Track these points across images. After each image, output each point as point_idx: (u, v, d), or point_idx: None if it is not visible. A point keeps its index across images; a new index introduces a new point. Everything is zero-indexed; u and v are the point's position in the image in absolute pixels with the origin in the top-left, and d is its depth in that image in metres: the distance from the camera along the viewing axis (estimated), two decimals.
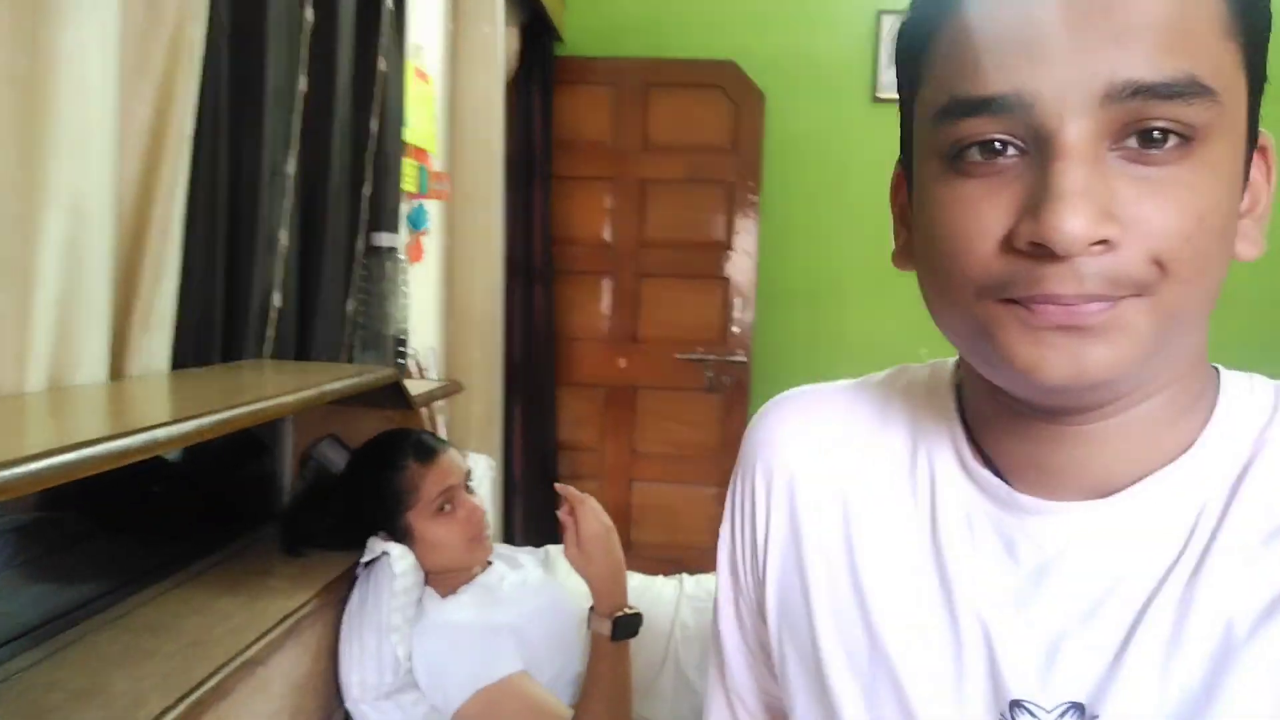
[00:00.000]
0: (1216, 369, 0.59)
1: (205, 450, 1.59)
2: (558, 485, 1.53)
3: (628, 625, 1.44)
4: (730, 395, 3.49)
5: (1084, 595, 0.55)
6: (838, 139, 3.50)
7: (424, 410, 2.33)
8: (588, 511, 1.47)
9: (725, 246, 3.47)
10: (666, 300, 3.49)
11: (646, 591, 1.72)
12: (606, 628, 1.43)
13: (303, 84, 1.68)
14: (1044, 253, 0.47)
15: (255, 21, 1.56)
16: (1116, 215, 0.47)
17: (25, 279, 1.10)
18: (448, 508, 1.55)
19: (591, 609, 1.46)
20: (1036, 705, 0.54)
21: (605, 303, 3.52)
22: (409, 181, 2.38)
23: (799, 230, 3.58)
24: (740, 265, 3.46)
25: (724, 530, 0.74)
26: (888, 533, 0.63)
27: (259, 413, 1.15)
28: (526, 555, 1.75)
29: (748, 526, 0.70)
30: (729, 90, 3.43)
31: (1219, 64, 0.48)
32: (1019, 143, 0.49)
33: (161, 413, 1.05)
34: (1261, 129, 0.54)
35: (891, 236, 0.64)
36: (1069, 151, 0.47)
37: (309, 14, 1.68)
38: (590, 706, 1.41)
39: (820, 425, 0.69)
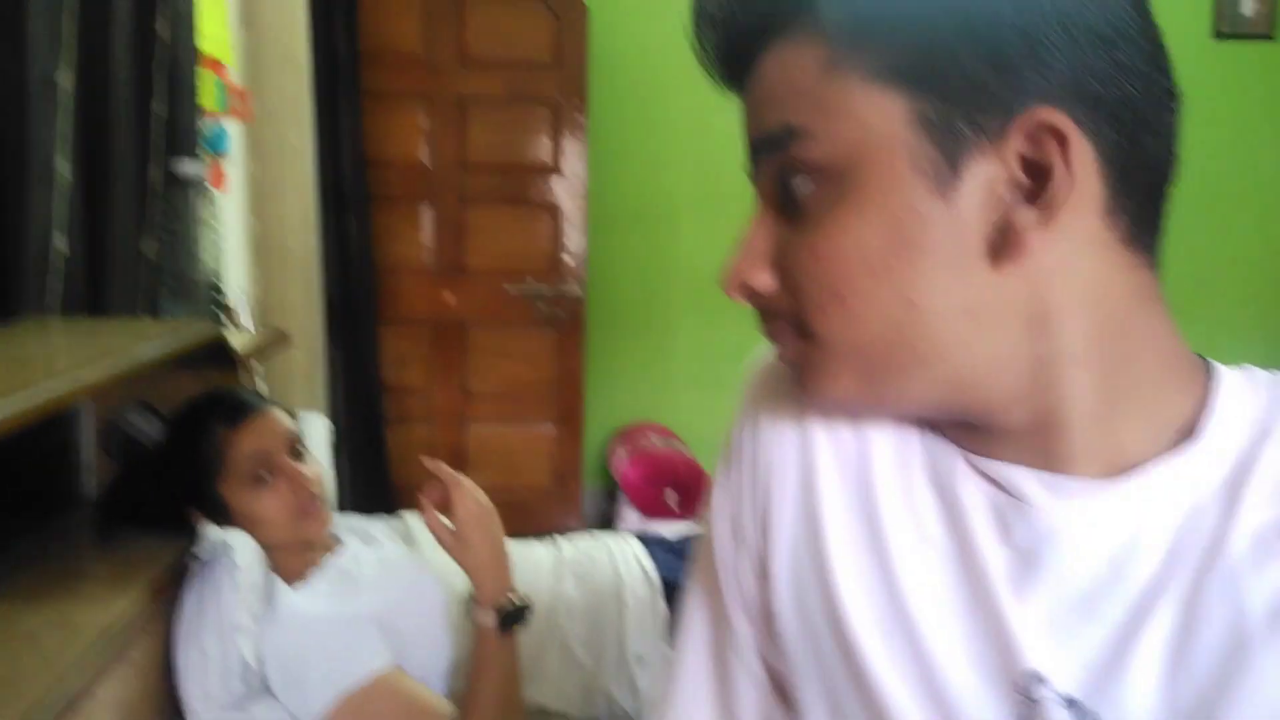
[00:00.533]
0: (1206, 360, 0.57)
1: None
2: (427, 461, 1.34)
3: (515, 615, 1.28)
4: (564, 328, 3.32)
5: (1078, 582, 0.53)
6: (663, 55, 3.34)
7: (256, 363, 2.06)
8: (464, 494, 1.29)
9: (552, 170, 3.27)
10: (492, 228, 3.26)
11: (523, 562, 1.56)
12: (492, 619, 1.26)
13: None
14: None
15: None
16: (774, 268, 0.56)
17: None
18: (266, 476, 1.32)
19: (473, 598, 1.29)
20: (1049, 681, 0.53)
21: (426, 232, 3.26)
22: (205, 97, 2.05)
23: (628, 152, 3.43)
24: (569, 189, 3.28)
25: (720, 481, 0.69)
26: (905, 491, 0.60)
27: (54, 401, 0.90)
28: (382, 527, 1.55)
29: (751, 478, 0.66)
30: (550, 1, 3.20)
31: (823, 101, 0.51)
32: None
33: None
34: (1052, 109, 0.48)
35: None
36: (752, 215, 0.57)
37: None
38: (478, 701, 1.25)
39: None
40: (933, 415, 0.58)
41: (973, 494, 0.57)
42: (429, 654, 1.36)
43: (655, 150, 3.44)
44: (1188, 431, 0.53)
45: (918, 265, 0.51)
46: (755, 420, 0.66)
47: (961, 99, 0.49)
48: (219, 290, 1.56)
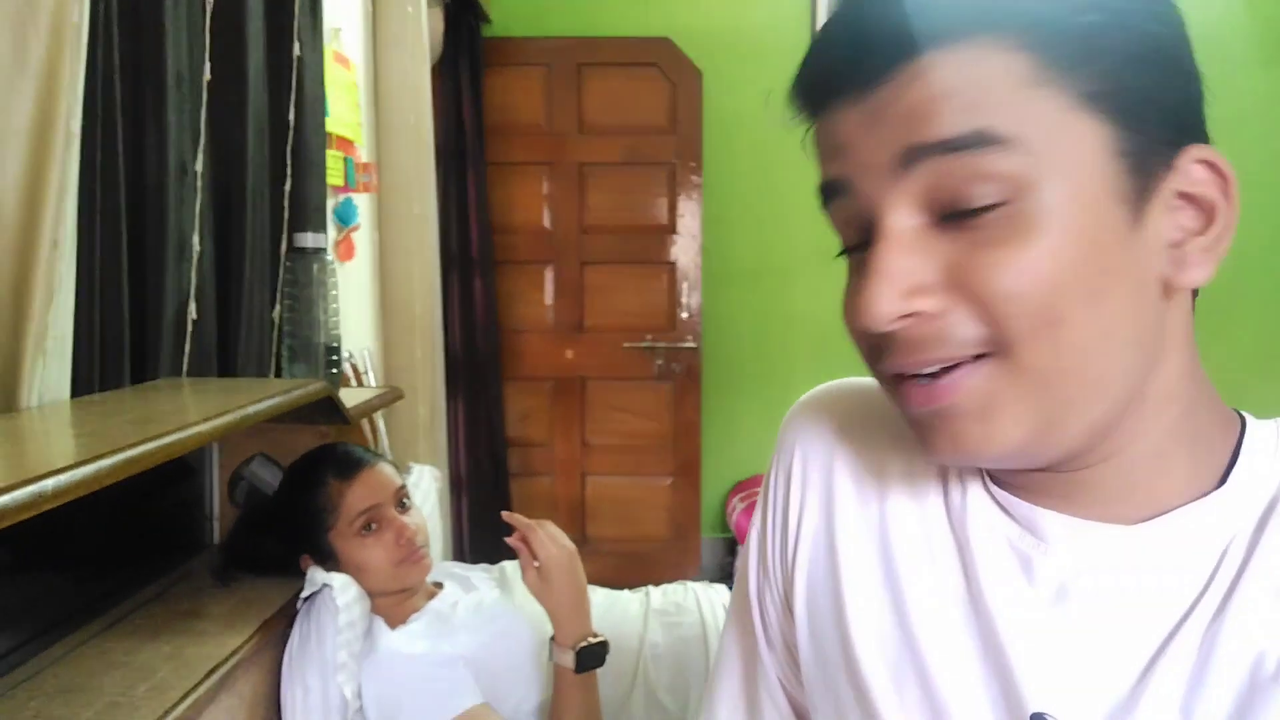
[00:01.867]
0: (1238, 412, 0.58)
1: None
2: (505, 515, 1.41)
3: (592, 655, 1.32)
4: (681, 382, 3.39)
5: (1102, 624, 0.53)
6: (777, 116, 3.40)
7: (364, 421, 2.19)
8: (544, 538, 1.36)
9: (669, 229, 3.36)
10: (611, 287, 3.37)
11: (612, 608, 1.61)
12: (570, 659, 1.31)
13: (207, 72, 1.53)
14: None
15: (150, 6, 1.40)
16: (939, 285, 0.50)
17: None
18: (374, 527, 1.42)
19: (553, 639, 1.34)
20: None
21: (548, 292, 3.39)
22: (335, 175, 2.23)
23: (742, 210, 3.49)
24: (685, 248, 3.36)
25: (755, 519, 0.73)
26: (922, 534, 0.62)
27: (171, 446, 1.01)
28: (481, 575, 1.63)
29: (779, 513, 0.69)
30: (665, 68, 3.32)
31: (1028, 111, 0.48)
32: (863, 233, 0.53)
33: (57, 455, 0.91)
34: (1209, 146, 0.52)
35: None
36: (883, 233, 0.51)
37: None
38: None
39: (861, 417, 0.68)
40: (1049, 462, 0.54)
41: (993, 535, 0.58)
42: (519, 694, 1.41)
43: (770, 205, 3.49)
44: (1216, 480, 0.54)
45: (1115, 293, 0.50)
46: (788, 464, 0.69)
47: (1155, 133, 0.50)
48: (336, 352, 1.68)
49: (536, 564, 1.35)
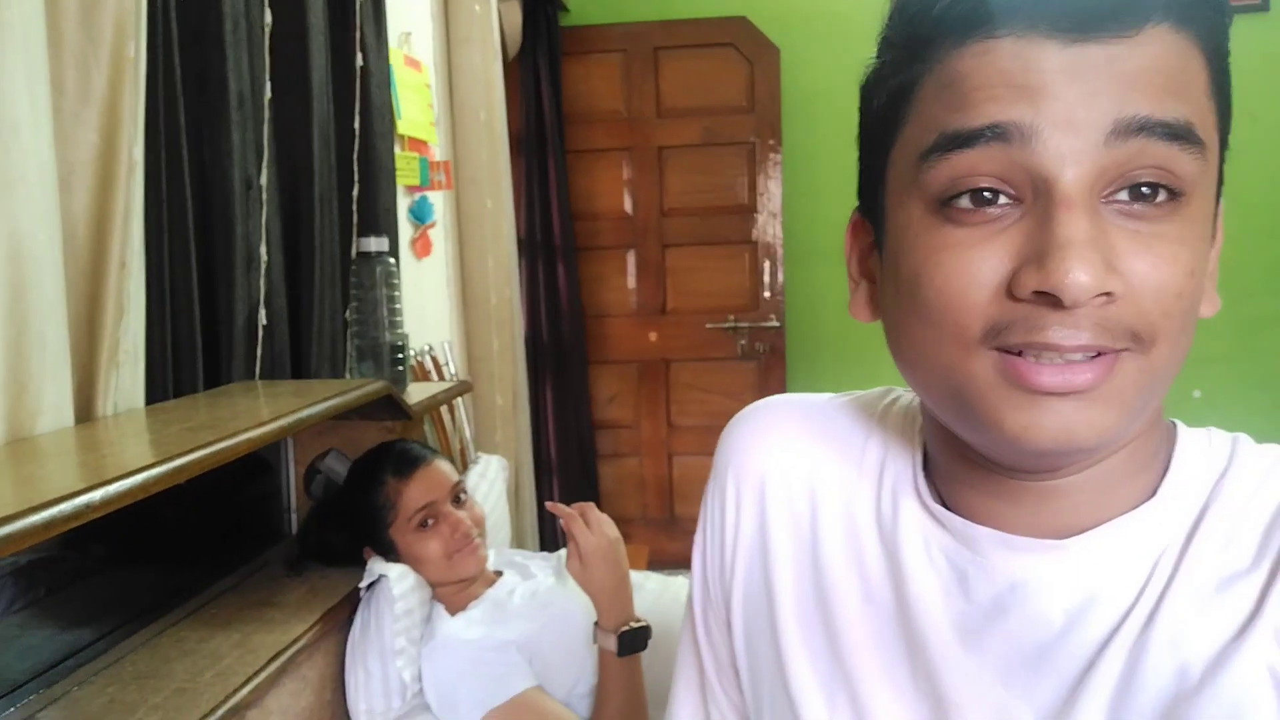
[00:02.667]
0: (1174, 423, 0.58)
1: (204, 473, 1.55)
2: (549, 505, 1.46)
3: (634, 639, 1.37)
4: (766, 362, 3.39)
5: (1034, 637, 0.54)
6: (854, 87, 3.34)
7: (444, 410, 2.28)
8: (583, 526, 1.40)
9: (750, 209, 3.36)
10: (693, 269, 3.39)
11: (664, 593, 1.65)
12: (612, 643, 1.36)
13: (268, 90, 1.61)
14: (1047, 302, 0.46)
15: (210, 30, 1.49)
16: (1116, 268, 0.46)
17: None
18: (430, 523, 1.49)
19: (597, 624, 1.39)
20: None
21: (630, 276, 3.43)
22: (409, 175, 2.31)
23: (824, 186, 3.44)
24: (766, 227, 3.35)
25: (696, 538, 0.73)
26: (853, 550, 0.62)
27: (222, 452, 1.10)
28: (540, 562, 1.69)
29: (717, 532, 0.69)
30: (742, 47, 3.30)
31: (1206, 120, 0.47)
32: (1011, 190, 0.47)
33: (129, 460, 1.00)
34: None
35: (849, 287, 0.62)
36: (1072, 199, 0.45)
37: (268, 16, 1.61)
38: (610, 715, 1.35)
39: (795, 436, 0.67)
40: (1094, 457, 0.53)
41: (928, 549, 0.58)
42: (572, 677, 1.47)
43: (852, 180, 3.41)
44: (1150, 491, 0.54)
45: (1203, 291, 0.51)
46: (722, 482, 0.69)
47: (1222, 160, 0.51)
48: (401, 350, 1.76)
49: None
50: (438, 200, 2.54)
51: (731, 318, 3.36)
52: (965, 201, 0.48)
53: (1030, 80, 0.46)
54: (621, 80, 3.37)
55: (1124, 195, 0.46)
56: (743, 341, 3.37)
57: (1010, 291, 0.47)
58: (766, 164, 3.33)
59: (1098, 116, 0.45)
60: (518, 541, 2.75)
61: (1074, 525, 0.54)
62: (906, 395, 0.68)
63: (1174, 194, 0.46)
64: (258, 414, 1.26)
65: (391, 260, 1.75)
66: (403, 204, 2.34)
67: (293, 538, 1.62)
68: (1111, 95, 0.45)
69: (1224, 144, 0.51)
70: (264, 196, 1.61)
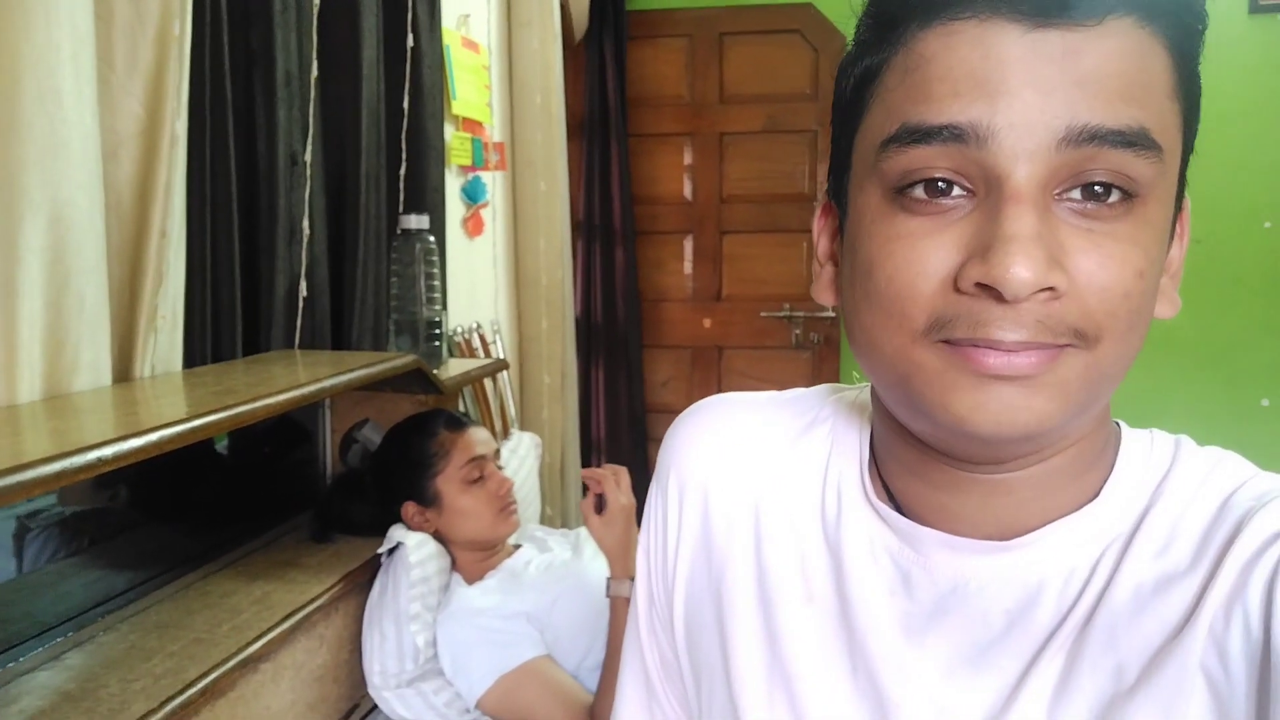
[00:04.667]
0: (1118, 424, 0.58)
1: (246, 437, 1.62)
2: (583, 471, 1.51)
3: None
4: (820, 352, 3.37)
5: (977, 635, 0.54)
6: None
7: (488, 384, 2.33)
8: (614, 485, 1.46)
9: (810, 197, 3.33)
10: (750, 256, 3.38)
11: None
12: (626, 588, 1.41)
13: (315, 69, 1.66)
14: (990, 295, 0.46)
15: (258, 9, 1.54)
16: (1063, 264, 0.46)
17: (6, 291, 1.11)
18: (478, 477, 1.54)
19: (610, 577, 1.44)
20: None
21: (688, 261, 3.44)
22: (462, 155, 2.35)
23: None
24: None
25: (640, 539, 0.72)
26: (795, 550, 0.62)
27: (239, 416, 1.14)
28: (559, 538, 1.72)
29: (659, 534, 0.69)
30: (808, 35, 3.27)
31: (1165, 122, 0.47)
32: (966, 183, 0.48)
33: (146, 419, 1.05)
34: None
35: (813, 269, 0.63)
36: (1021, 195, 0.46)
37: None
38: (613, 670, 1.38)
39: (737, 435, 0.67)
40: (1038, 448, 0.53)
41: (872, 548, 0.58)
42: (581, 649, 1.50)
43: None
44: (1094, 492, 0.55)
45: (1157, 293, 0.51)
46: (664, 483, 0.69)
47: (1185, 163, 0.51)
48: (438, 326, 1.80)
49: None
50: (492, 181, 2.58)
51: (787, 306, 3.35)
52: (920, 191, 0.48)
53: (990, 73, 0.46)
54: (686, 66, 3.37)
55: (1077, 194, 0.47)
56: (797, 331, 3.36)
57: (956, 284, 0.47)
58: (828, 153, 3.29)
59: (1051, 119, 0.45)
60: (563, 517, 2.79)
61: (1019, 523, 0.54)
62: (852, 391, 0.68)
63: (1128, 195, 0.47)
64: (279, 381, 1.31)
65: (431, 238, 1.79)
66: (456, 184, 2.39)
67: (322, 502, 1.68)
68: (1066, 98, 0.45)
69: (1189, 146, 0.51)
70: (309, 172, 1.66)
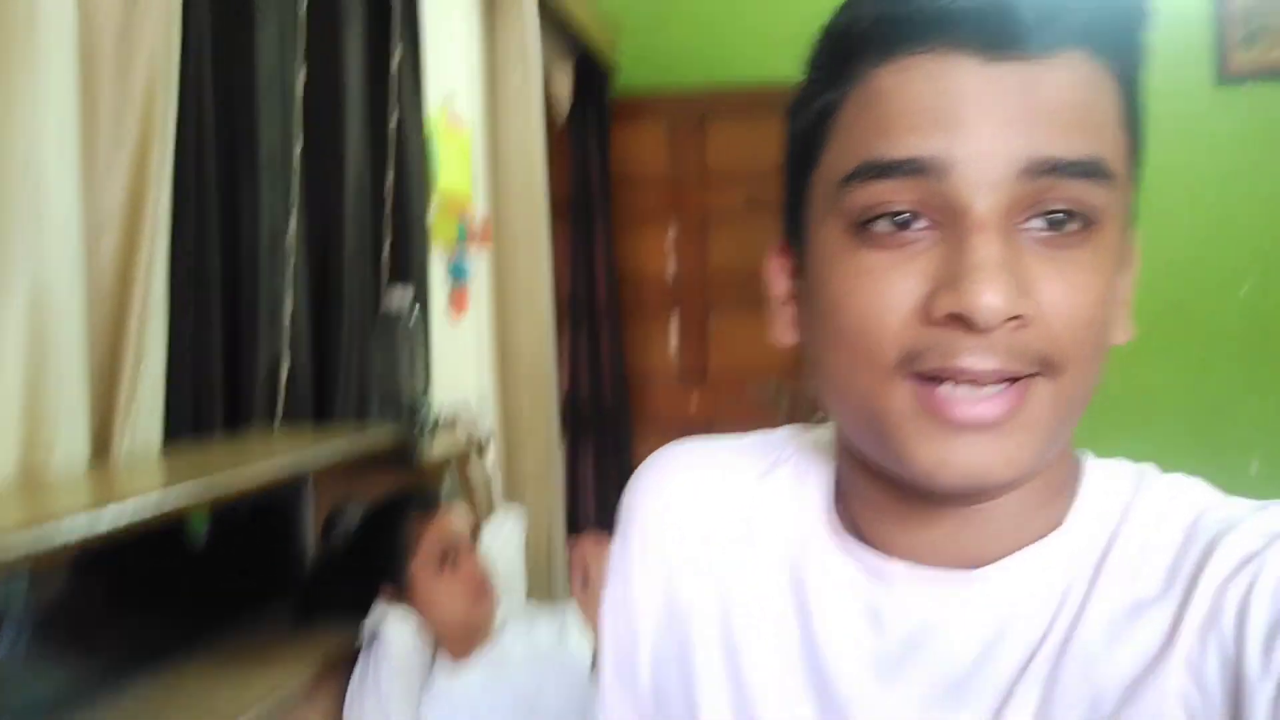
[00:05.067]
0: (1081, 454, 0.58)
1: (225, 518, 1.58)
2: (568, 540, 1.48)
3: None
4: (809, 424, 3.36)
5: (950, 669, 0.53)
6: None
7: (473, 464, 2.30)
8: (600, 554, 1.42)
9: None
10: (734, 332, 3.39)
11: None
12: None
13: (298, 150, 1.67)
14: (960, 325, 0.47)
15: (242, 87, 1.56)
16: (1029, 292, 0.47)
17: None
18: (450, 560, 1.51)
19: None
20: None
21: (672, 340, 3.45)
22: (446, 233, 2.36)
23: None
24: None
25: (605, 594, 0.71)
26: (760, 594, 0.61)
27: (213, 492, 1.12)
28: (544, 618, 1.68)
29: (623, 587, 0.68)
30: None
31: (1118, 151, 0.49)
32: (929, 216, 0.48)
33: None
34: None
35: (768, 313, 0.62)
36: (986, 224, 0.46)
37: (301, 75, 1.67)
38: None
39: (699, 482, 0.67)
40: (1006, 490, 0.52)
41: (838, 585, 0.57)
42: None
43: None
44: (1059, 521, 0.54)
45: (1114, 320, 0.52)
46: (626, 532, 0.68)
47: (1136, 189, 0.52)
48: (422, 405, 1.79)
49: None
50: (476, 259, 2.59)
51: (773, 379, 3.35)
52: (883, 225, 0.49)
53: (948, 106, 0.47)
54: (668, 148, 3.43)
55: (1038, 223, 0.47)
56: (785, 405, 3.35)
57: (925, 316, 0.47)
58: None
59: (1011, 150, 0.46)
60: (550, 591, 2.74)
61: (987, 553, 0.54)
62: (814, 432, 0.67)
63: (1087, 223, 0.48)
64: (256, 458, 1.29)
65: (416, 316, 1.79)
66: (440, 261, 2.39)
67: (301, 584, 1.63)
68: (1025, 130, 0.46)
69: (1136, 175, 0.52)
70: (292, 251, 1.66)
